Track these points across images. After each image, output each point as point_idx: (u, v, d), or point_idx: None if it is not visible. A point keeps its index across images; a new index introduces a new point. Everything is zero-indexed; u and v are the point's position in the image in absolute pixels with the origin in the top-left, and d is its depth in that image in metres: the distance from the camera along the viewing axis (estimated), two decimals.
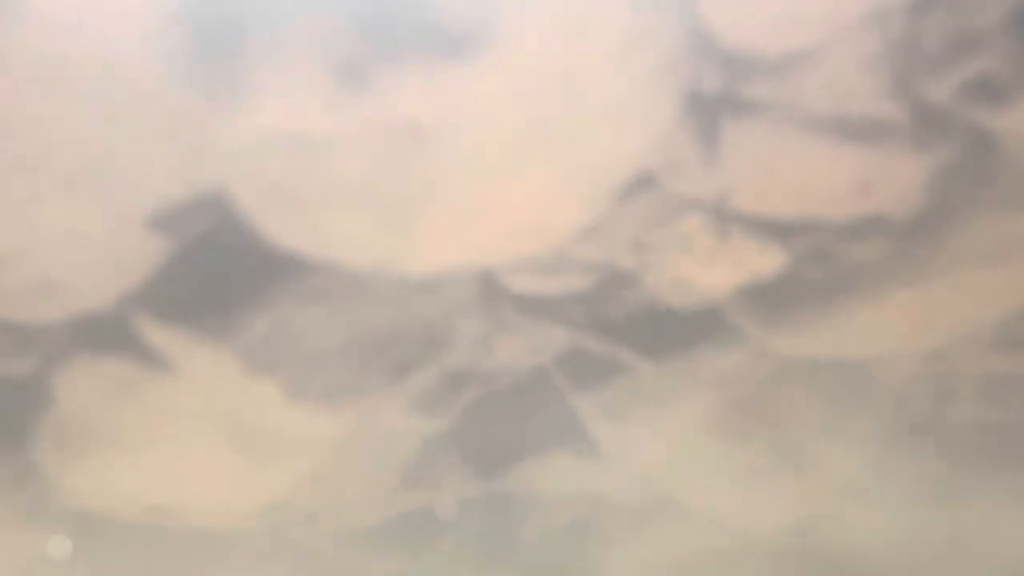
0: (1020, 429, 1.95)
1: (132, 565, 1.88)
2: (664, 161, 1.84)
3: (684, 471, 1.95)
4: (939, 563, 1.97)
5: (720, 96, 1.81)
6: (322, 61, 1.76)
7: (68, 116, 1.76)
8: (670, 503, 1.95)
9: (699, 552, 1.97)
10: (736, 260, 1.86)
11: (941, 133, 1.82)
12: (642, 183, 1.84)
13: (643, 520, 1.95)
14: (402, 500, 1.91)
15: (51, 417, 1.84)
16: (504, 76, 1.80)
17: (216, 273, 1.82)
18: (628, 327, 1.87)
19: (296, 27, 1.76)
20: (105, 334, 1.82)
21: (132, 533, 1.88)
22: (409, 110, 1.79)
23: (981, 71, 1.79)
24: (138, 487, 1.87)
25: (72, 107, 1.76)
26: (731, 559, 1.97)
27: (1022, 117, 1.81)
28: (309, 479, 1.88)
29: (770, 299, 1.88)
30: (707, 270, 1.86)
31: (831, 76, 1.81)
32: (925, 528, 1.97)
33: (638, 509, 1.95)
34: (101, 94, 1.76)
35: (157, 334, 1.83)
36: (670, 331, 1.88)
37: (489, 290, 1.85)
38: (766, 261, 1.87)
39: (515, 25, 1.78)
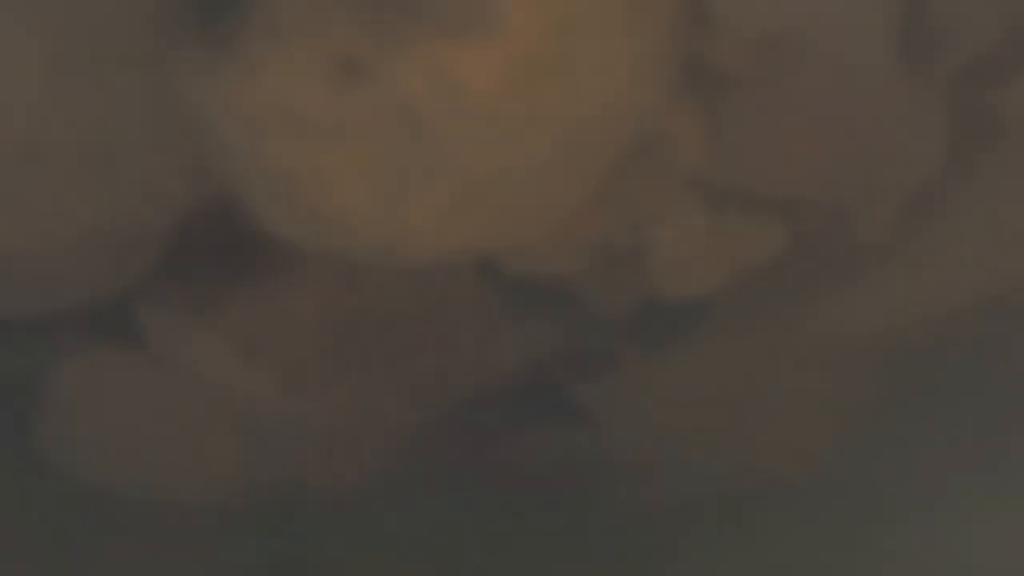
0: (1016, 404, 1.95)
1: (132, 548, 1.90)
2: (661, 138, 1.82)
3: None
4: (938, 562, 1.98)
5: (719, 71, 1.80)
6: (321, 45, 1.74)
7: (64, 103, 1.75)
8: None
9: None
10: (735, 239, 1.85)
11: (943, 110, 1.80)
12: (639, 161, 1.83)
13: None
14: (398, 486, 1.92)
15: (50, 412, 1.85)
16: (501, 52, 1.78)
17: (213, 260, 1.81)
18: (626, 311, 1.87)
19: (295, 10, 1.74)
20: (103, 325, 1.82)
21: (132, 520, 1.90)
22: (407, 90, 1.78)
23: (984, 47, 1.77)
24: (138, 479, 1.89)
25: (69, 94, 1.75)
26: None
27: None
28: (305, 464, 1.90)
29: (770, 278, 1.88)
30: (706, 250, 1.86)
31: (833, 51, 1.79)
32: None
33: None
34: (99, 80, 1.75)
35: (155, 323, 1.83)
36: (668, 315, 1.87)
37: (486, 275, 1.85)
38: (766, 239, 1.86)
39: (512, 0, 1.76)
